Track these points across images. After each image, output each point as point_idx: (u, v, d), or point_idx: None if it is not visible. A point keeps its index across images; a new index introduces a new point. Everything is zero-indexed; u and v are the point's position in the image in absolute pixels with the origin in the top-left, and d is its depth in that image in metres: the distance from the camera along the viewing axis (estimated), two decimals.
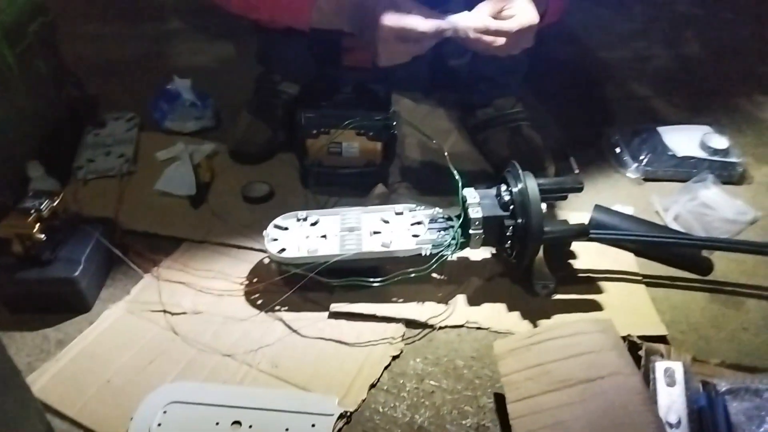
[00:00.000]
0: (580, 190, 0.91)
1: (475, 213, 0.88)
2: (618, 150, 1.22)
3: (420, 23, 0.88)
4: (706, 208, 1.10)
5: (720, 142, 1.18)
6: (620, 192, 1.16)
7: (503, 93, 1.22)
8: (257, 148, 1.21)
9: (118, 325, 0.88)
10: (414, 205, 0.98)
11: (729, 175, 1.18)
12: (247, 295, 0.92)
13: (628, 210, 1.08)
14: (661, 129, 1.24)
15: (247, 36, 1.35)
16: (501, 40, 0.90)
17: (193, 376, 0.81)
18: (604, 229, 0.99)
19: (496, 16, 0.91)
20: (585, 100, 1.46)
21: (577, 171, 1.21)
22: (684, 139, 1.21)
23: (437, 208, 0.96)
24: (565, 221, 0.93)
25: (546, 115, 1.37)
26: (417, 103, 1.41)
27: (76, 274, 0.86)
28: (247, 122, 1.23)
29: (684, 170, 1.17)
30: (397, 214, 0.96)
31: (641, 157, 1.18)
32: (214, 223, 1.06)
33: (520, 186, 0.88)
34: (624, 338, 0.80)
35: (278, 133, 1.22)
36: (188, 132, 1.28)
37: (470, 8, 0.93)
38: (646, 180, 1.18)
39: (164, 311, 0.90)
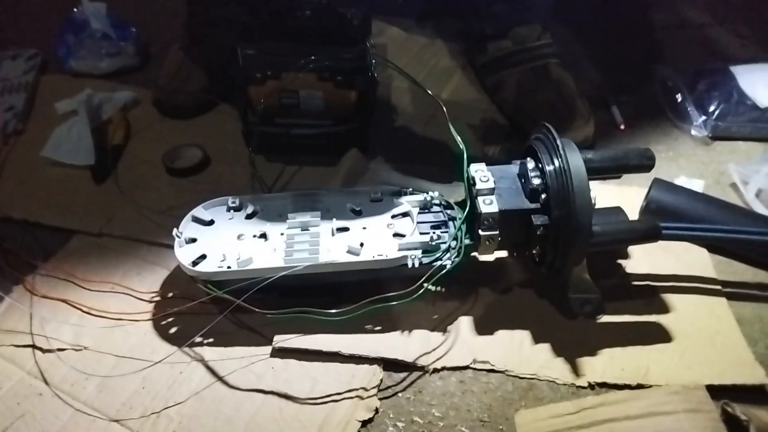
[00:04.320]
0: (649, 168, 0.61)
1: (487, 205, 0.58)
2: (678, 97, 0.90)
3: None
4: None
5: None
6: (683, 156, 0.86)
7: (525, 19, 0.89)
8: (190, 98, 0.89)
9: None
10: (398, 187, 0.68)
11: None
12: (156, 320, 0.64)
13: (697, 184, 0.79)
14: (734, 69, 0.92)
15: None
16: None
17: None
18: (667, 214, 0.70)
19: None
20: (627, 29, 1.13)
21: (622, 126, 0.90)
22: (766, 84, 0.89)
23: (432, 192, 0.67)
24: (620, 211, 0.64)
25: (579, 48, 1.05)
26: (408, 33, 1.09)
27: None
28: (177, 62, 0.91)
29: (766, 126, 0.87)
30: (373, 200, 0.67)
31: (711, 109, 0.87)
32: (120, 206, 0.76)
33: (557, 163, 0.57)
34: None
35: (218, 76, 0.91)
36: (101, 74, 0.96)
37: None
38: (714, 138, 0.88)
39: (33, 346, 0.62)
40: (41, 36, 1.04)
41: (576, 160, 0.57)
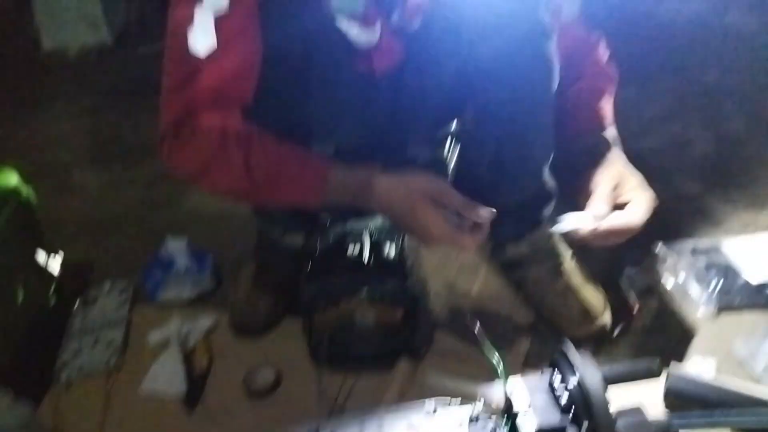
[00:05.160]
0: (657, 375, 0.73)
1: (528, 426, 0.70)
2: (681, 277, 1.03)
3: (473, 242, 0.82)
4: None
5: None
6: (692, 333, 0.97)
7: (536, 224, 1.05)
8: (260, 319, 1.05)
9: None
10: (448, 398, 0.80)
11: None
12: None
13: (709, 363, 0.89)
14: (725, 245, 1.06)
15: None
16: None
17: None
18: (685, 399, 0.80)
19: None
20: None
21: (635, 307, 1.02)
22: (756, 258, 1.02)
23: (478, 402, 0.78)
24: (638, 411, 0.74)
25: None
26: None
27: None
28: (247, 287, 1.08)
29: (763, 297, 0.98)
30: (427, 413, 0.79)
31: (711, 286, 0.99)
32: (211, 430, 0.89)
33: (578, 379, 0.70)
34: None
35: (284, 295, 1.07)
36: (185, 301, 1.14)
37: None
38: (720, 311, 0.99)
39: None
40: (127, 267, 1.24)
41: (593, 377, 0.69)
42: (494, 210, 0.82)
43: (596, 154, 0.92)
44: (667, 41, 1.94)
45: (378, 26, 0.88)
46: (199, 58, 0.78)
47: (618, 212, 0.84)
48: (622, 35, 1.73)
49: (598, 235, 0.84)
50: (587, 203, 0.87)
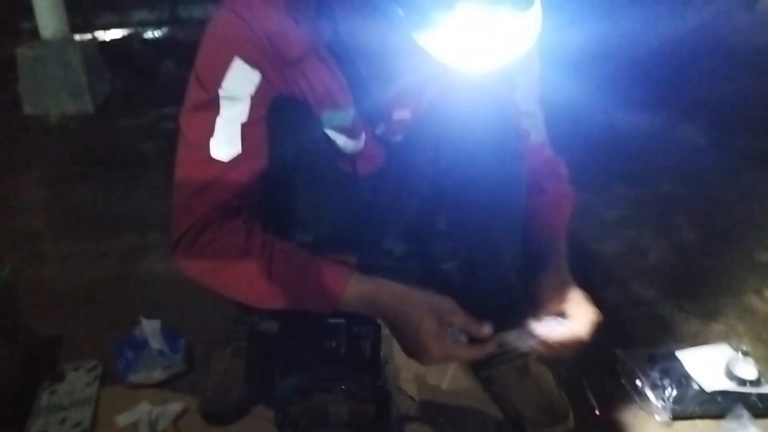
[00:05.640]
0: None
1: None
2: (638, 383, 1.09)
3: (470, 354, 0.87)
4: None
5: (748, 370, 1.06)
6: None
7: (506, 327, 1.11)
8: (231, 408, 1.06)
9: None
10: None
11: (765, 408, 1.04)
12: None
13: None
14: (680, 354, 1.12)
15: None
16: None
17: None
18: None
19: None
20: None
21: (597, 411, 1.07)
22: (708, 367, 1.09)
23: None
24: None
25: None
26: None
27: None
28: (220, 374, 1.09)
29: (715, 405, 1.04)
30: None
31: (666, 394, 1.05)
32: None
33: None
34: None
35: (257, 383, 1.08)
36: (155, 383, 1.13)
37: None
38: (675, 419, 1.04)
39: None
40: (97, 343, 1.23)
41: None
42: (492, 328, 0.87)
43: (545, 265, 0.96)
44: (624, 151, 2.11)
45: (363, 136, 0.96)
46: (223, 163, 0.83)
47: (565, 327, 0.88)
48: (583, 144, 1.91)
49: (547, 348, 0.88)
50: (532, 313, 0.91)
